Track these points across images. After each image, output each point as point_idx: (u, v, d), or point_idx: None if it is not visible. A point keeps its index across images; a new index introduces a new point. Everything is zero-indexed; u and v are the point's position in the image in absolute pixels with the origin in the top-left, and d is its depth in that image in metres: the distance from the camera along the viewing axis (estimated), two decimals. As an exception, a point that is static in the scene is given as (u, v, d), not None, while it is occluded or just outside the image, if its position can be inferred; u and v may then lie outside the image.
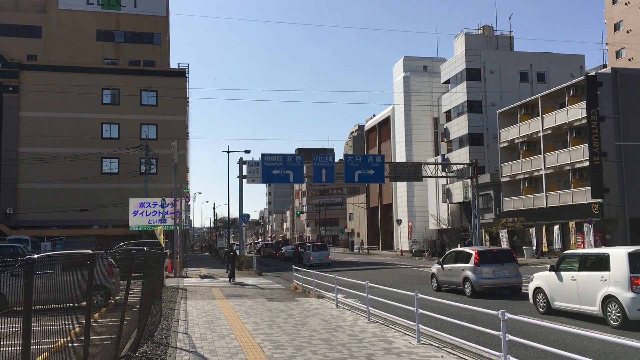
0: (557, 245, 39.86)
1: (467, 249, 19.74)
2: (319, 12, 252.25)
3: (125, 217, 46.75)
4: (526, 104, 47.30)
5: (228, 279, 26.31)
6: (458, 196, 54.54)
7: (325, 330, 11.35)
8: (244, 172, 40.78)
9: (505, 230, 44.22)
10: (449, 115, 58.97)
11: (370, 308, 12.87)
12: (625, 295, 11.43)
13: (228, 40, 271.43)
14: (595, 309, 12.19)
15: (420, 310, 10.19)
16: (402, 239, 63.75)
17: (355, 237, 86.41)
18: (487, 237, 49.13)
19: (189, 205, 49.88)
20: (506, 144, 48.96)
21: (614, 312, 11.69)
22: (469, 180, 47.19)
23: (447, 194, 57.04)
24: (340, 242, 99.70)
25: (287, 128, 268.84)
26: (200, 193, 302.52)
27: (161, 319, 13.08)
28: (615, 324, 11.57)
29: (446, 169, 48.29)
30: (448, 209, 57.56)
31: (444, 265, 19.97)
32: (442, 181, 57.13)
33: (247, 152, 48.92)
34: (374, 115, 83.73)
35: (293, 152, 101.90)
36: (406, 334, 10.78)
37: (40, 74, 52.08)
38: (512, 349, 8.91)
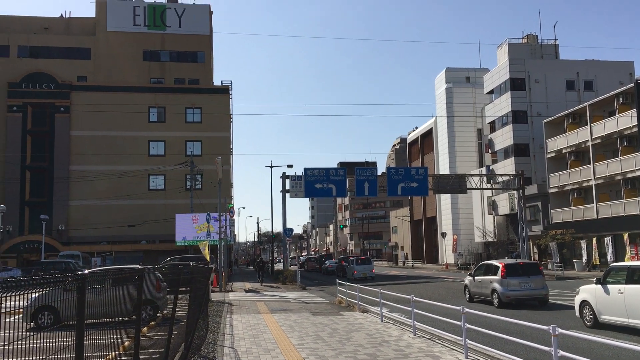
0: (609, 257, 38.50)
1: (495, 262, 20.83)
2: (360, 26, 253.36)
3: (171, 232, 47.68)
4: (573, 113, 46.14)
5: (262, 287, 26.42)
6: (504, 208, 53.45)
7: (371, 345, 11.24)
8: (287, 187, 41.04)
9: (554, 242, 43.02)
10: (493, 126, 58.03)
11: (415, 322, 12.69)
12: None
13: (269, 57, 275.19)
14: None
15: (467, 325, 9.99)
16: (447, 252, 62.76)
17: (399, 250, 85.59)
18: (536, 250, 47.90)
19: (234, 220, 50.50)
20: (553, 154, 47.80)
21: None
22: (515, 192, 46.20)
23: (493, 206, 55.97)
24: (384, 255, 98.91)
25: (329, 142, 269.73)
26: (244, 208, 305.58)
27: (208, 333, 13.22)
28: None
29: (491, 181, 47.43)
30: (494, 221, 56.44)
31: (475, 277, 20.99)
32: (488, 193, 56.11)
33: (290, 166, 49.04)
34: (416, 128, 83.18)
35: (335, 166, 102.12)
36: (453, 349, 10.58)
37: (89, 94, 53.93)
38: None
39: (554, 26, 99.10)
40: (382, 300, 15.42)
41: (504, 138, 54.85)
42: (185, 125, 55.25)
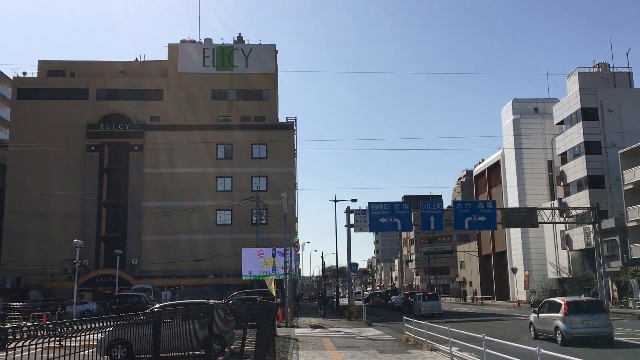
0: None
1: (558, 299, 21.00)
2: (422, 58, 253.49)
3: (238, 266, 48.36)
4: (651, 143, 43.97)
5: (327, 322, 26.15)
6: (579, 243, 51.13)
7: (441, 386, 10.87)
8: (351, 221, 40.93)
9: (635, 279, 40.60)
10: (564, 158, 56.10)
11: (488, 363, 12.20)
12: None
13: (332, 93, 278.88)
14: None
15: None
16: (518, 289, 60.42)
17: (467, 286, 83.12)
18: (615, 287, 45.38)
19: (298, 254, 50.71)
20: (631, 186, 45.55)
21: None
22: (590, 226, 44.19)
23: (567, 241, 53.65)
24: (451, 291, 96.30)
25: (392, 176, 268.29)
26: (308, 242, 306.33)
27: (274, 369, 13.19)
28: None
29: (564, 214, 45.58)
30: (568, 256, 54.02)
31: (539, 314, 21.04)
32: (561, 227, 53.91)
33: (354, 201, 49.08)
34: (483, 160, 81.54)
35: (400, 199, 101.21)
36: (529, 392, 10.08)
37: (161, 133, 56.26)
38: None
39: (627, 54, 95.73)
40: (451, 339, 14.95)
41: (576, 170, 52.86)
42: (251, 161, 56.49)
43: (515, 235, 63.86)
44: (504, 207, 54.86)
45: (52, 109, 56.52)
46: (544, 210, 43.87)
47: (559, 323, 19.08)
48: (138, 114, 57.31)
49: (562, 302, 19.69)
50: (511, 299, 63.83)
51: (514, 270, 59.75)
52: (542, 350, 9.71)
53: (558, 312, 19.47)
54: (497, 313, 43.13)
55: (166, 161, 55.33)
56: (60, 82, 58.48)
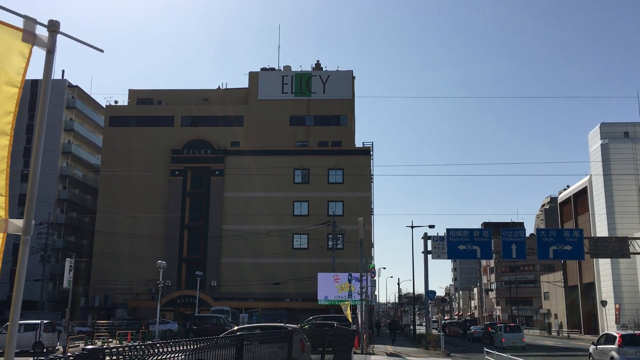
0: None
1: (614, 332, 23.35)
2: (502, 81, 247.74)
3: (313, 290, 48.43)
4: None
5: (400, 350, 25.57)
6: (676, 275, 47.63)
7: None
8: (429, 248, 40.15)
9: None
10: (658, 184, 52.76)
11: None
12: None
13: (409, 118, 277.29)
14: None
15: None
16: (608, 323, 56.81)
17: (552, 318, 79.12)
18: None
19: (374, 280, 50.23)
20: None
21: None
22: (689, 257, 41.13)
23: (662, 273, 50.13)
24: (534, 323, 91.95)
25: (472, 202, 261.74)
26: (384, 268, 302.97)
27: (350, 397, 13.02)
28: None
29: (659, 244, 42.65)
30: (664, 289, 50.41)
31: (598, 346, 22.82)
32: (655, 258, 50.47)
33: (432, 227, 48.50)
34: (568, 187, 78.15)
35: (479, 226, 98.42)
36: None
37: (241, 158, 57.85)
38: None
39: None
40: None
41: (672, 197, 49.51)
42: (328, 186, 56.89)
43: (604, 265, 60.35)
44: (592, 236, 52.11)
45: (140, 135, 59.50)
46: (636, 240, 41.30)
47: (614, 354, 20.97)
48: (219, 140, 59.27)
49: (617, 335, 22.16)
50: (600, 334, 60.14)
51: (604, 303, 56.35)
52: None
53: (613, 343, 21.41)
54: (585, 348, 40.68)
55: (245, 185, 56.73)
56: (148, 110, 61.59)
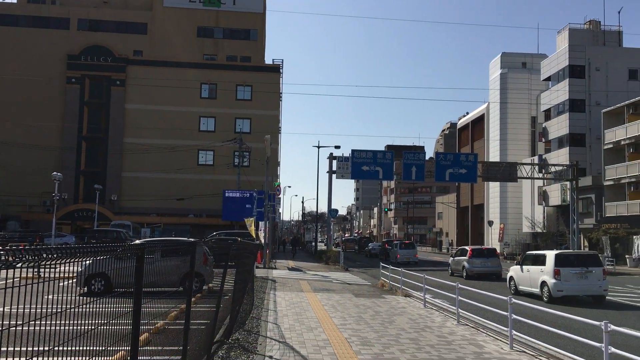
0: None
1: (467, 247, 27.58)
2: (414, 7, 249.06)
3: (218, 207, 48.49)
4: (635, 104, 44.30)
5: (303, 265, 26.61)
6: (555, 199, 52.07)
7: (413, 330, 11.20)
8: (334, 168, 41.06)
9: (607, 236, 41.70)
10: (548, 114, 56.36)
11: (459, 310, 12.56)
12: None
13: (320, 36, 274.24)
14: None
15: (514, 316, 9.82)
16: (492, 241, 61.70)
17: (443, 236, 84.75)
18: (586, 243, 46.59)
19: (279, 198, 50.95)
20: (611, 146, 46.13)
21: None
22: (568, 183, 44.93)
23: (544, 196, 54.60)
24: (428, 241, 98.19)
25: (377, 124, 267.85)
26: (289, 187, 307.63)
27: (252, 308, 13.45)
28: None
29: (543, 170, 46.19)
30: (544, 212, 55.09)
31: (455, 258, 27.60)
32: (538, 183, 54.73)
33: (337, 147, 49.19)
34: (467, 113, 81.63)
35: (383, 148, 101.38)
36: (497, 339, 10.42)
37: (144, 68, 55.04)
38: (615, 363, 8.37)
39: (619, 12, 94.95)
40: (425, 286, 15.31)
41: (559, 127, 53.23)
42: (236, 103, 55.84)
43: (494, 188, 64.73)
44: (485, 160, 55.34)
45: (32, 37, 54.82)
46: (524, 166, 44.39)
47: (465, 263, 26.75)
48: (121, 48, 55.89)
49: (468, 249, 27.56)
50: (485, 251, 65.19)
51: (490, 223, 60.88)
52: (513, 300, 9.98)
53: (465, 255, 26.85)
54: (471, 263, 44.12)
55: (149, 97, 54.40)
56: (40, 10, 56.49)
